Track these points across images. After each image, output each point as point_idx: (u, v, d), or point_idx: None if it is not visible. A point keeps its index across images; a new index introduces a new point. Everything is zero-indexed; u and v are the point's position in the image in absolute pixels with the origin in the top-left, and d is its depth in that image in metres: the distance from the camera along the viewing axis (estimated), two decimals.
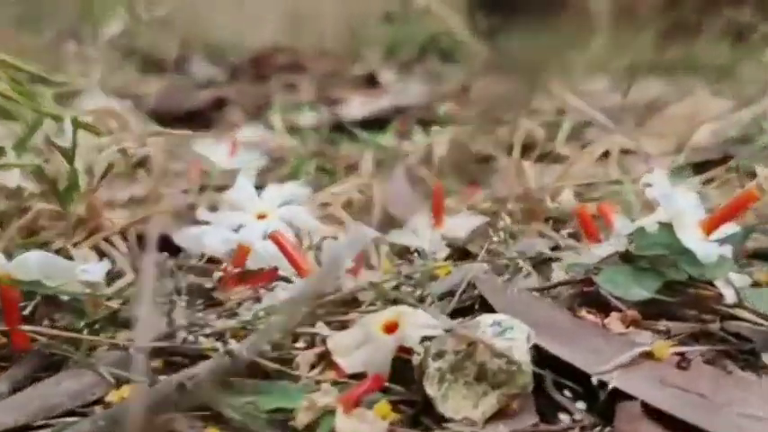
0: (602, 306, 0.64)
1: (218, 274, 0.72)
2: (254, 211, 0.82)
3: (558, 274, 0.70)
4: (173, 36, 3.00)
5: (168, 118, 1.54)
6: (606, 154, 0.85)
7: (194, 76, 2.22)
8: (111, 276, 0.68)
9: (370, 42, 3.63)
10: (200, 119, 1.57)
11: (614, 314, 0.63)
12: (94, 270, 0.57)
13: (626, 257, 0.66)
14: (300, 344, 0.59)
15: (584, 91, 1.26)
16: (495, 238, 0.75)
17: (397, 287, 0.66)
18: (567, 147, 0.96)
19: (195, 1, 3.32)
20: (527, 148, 1.06)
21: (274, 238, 0.68)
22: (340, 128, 1.51)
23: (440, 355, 0.51)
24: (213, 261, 0.77)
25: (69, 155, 0.59)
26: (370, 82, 2.24)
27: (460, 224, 0.82)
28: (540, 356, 0.54)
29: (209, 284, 0.73)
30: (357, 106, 1.74)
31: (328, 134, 1.46)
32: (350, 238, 0.67)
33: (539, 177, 0.87)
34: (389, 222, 0.86)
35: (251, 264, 0.76)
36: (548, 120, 1.01)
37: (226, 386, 0.52)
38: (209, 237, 0.73)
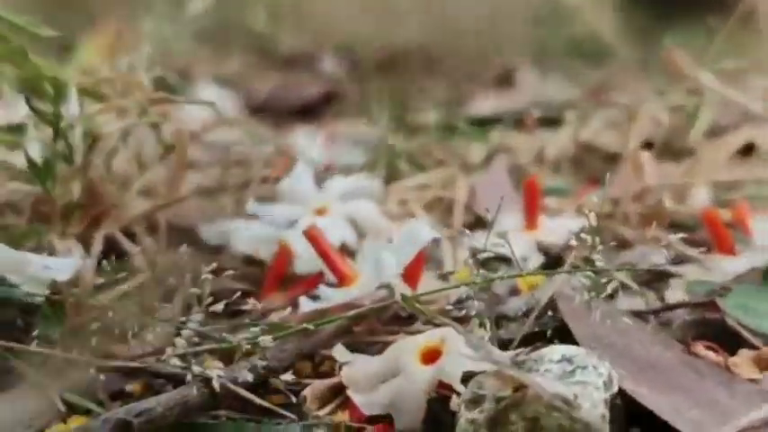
0: (728, 340, 0.47)
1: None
2: (313, 205, 0.68)
3: (674, 293, 0.53)
4: (306, 30, 2.92)
5: (279, 113, 1.43)
6: (751, 149, 0.68)
7: (320, 72, 2.11)
8: (123, 276, 0.56)
9: (514, 42, 3.46)
10: (312, 114, 1.46)
11: (744, 352, 0.47)
12: (58, 266, 0.44)
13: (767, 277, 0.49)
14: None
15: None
16: (597, 246, 0.59)
17: (461, 302, 0.51)
18: (705, 141, 0.78)
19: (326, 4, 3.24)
20: (657, 144, 0.89)
21: (310, 234, 0.54)
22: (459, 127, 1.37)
23: (476, 401, 0.36)
24: (256, 263, 0.64)
25: (52, 121, 0.47)
26: (506, 81, 2.08)
27: (560, 228, 0.67)
28: (629, 410, 0.38)
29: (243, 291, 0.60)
30: (483, 104, 1.58)
31: (444, 132, 1.32)
32: (403, 238, 0.53)
33: (665, 174, 0.70)
34: (476, 223, 0.71)
35: (302, 267, 0.62)
36: (686, 109, 0.83)
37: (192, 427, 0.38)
38: (239, 233, 0.60)
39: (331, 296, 0.52)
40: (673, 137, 0.82)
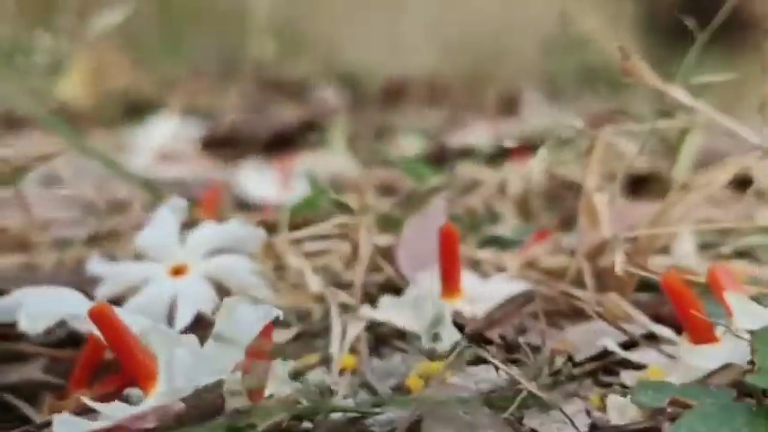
0: None
1: None
2: (171, 260, 0.52)
3: (616, 403, 0.36)
4: (311, 59, 2.78)
5: (246, 143, 1.27)
6: (745, 184, 0.51)
7: (317, 102, 1.96)
8: None
9: (523, 70, 3.29)
10: (286, 145, 1.30)
11: None
12: None
13: (741, 386, 0.32)
14: None
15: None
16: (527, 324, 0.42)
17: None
18: (689, 173, 0.61)
19: (346, 23, 3.09)
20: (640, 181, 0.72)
21: (96, 314, 0.37)
22: (445, 157, 1.20)
23: None
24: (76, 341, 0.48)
25: None
26: (509, 109, 1.91)
27: (490, 293, 0.50)
28: None
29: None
30: (474, 133, 1.42)
31: (425, 164, 1.15)
32: (225, 323, 0.36)
33: (635, 219, 0.53)
34: (387, 285, 0.54)
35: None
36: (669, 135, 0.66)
37: None
38: (30, 307, 0.43)
39: (115, 410, 0.35)
40: (655, 170, 0.65)
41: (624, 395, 0.35)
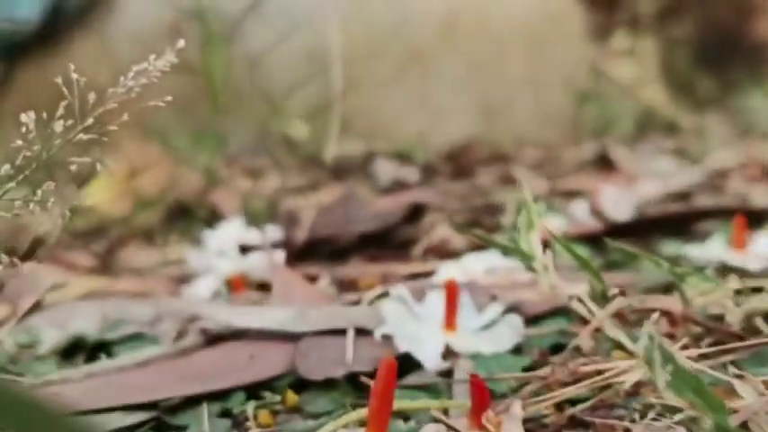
0: None
1: None
2: None
3: None
4: (353, 140, 2.42)
5: (330, 247, 0.89)
6: None
7: (379, 179, 1.59)
8: None
9: (572, 125, 2.95)
10: (385, 241, 0.92)
11: None
12: None
13: None
14: None
15: None
16: None
17: None
18: None
19: (373, 100, 2.75)
20: None
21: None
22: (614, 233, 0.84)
23: None
24: None
25: None
26: (602, 165, 1.55)
27: None
28: None
29: None
30: (617, 200, 1.05)
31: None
32: None
33: None
34: None
35: None
36: None
37: None
38: None
39: None
40: None
41: None
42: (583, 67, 3.22)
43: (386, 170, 1.61)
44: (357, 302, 0.62)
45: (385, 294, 0.60)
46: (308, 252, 0.82)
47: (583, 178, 1.28)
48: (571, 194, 1.17)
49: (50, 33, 2.38)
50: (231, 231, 0.84)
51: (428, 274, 0.74)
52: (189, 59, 2.50)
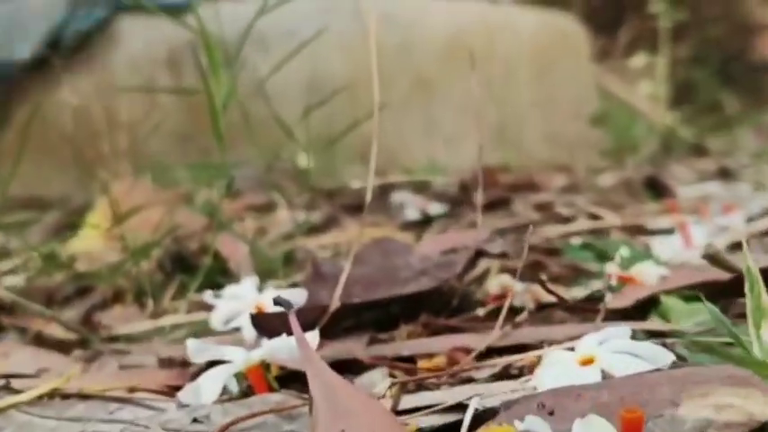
0: None
1: None
2: None
3: None
4: (362, 172, 2.20)
5: (373, 313, 0.66)
6: None
7: (403, 214, 1.37)
8: None
9: (587, 146, 2.74)
10: (440, 300, 0.68)
11: None
12: None
13: None
14: None
15: None
16: None
17: None
18: None
19: (381, 128, 2.53)
20: None
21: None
22: None
23: None
24: None
25: None
26: (655, 187, 1.33)
27: None
28: None
29: None
30: (710, 235, 0.82)
31: None
32: None
33: None
34: None
35: None
36: None
37: None
38: None
39: None
40: None
41: None
42: (594, 87, 3.03)
43: (409, 202, 1.38)
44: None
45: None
46: (343, 318, 0.60)
47: (651, 210, 1.06)
48: (639, 230, 0.95)
49: (48, 65, 2.17)
50: (243, 297, 0.61)
51: (516, 349, 0.52)
52: (190, 89, 2.23)
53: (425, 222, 1.24)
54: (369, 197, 0.64)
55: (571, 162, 2.51)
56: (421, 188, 1.84)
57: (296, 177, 2.02)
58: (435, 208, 1.33)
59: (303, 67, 2.61)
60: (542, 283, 0.62)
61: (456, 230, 0.92)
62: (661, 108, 2.87)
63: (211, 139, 1.46)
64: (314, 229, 1.30)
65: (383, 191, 1.71)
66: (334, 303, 0.57)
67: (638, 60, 2.31)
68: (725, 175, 1.55)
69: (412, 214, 1.32)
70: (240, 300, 0.61)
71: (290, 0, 0.96)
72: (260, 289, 0.64)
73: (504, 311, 0.57)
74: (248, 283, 0.63)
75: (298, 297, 0.62)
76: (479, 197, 1.39)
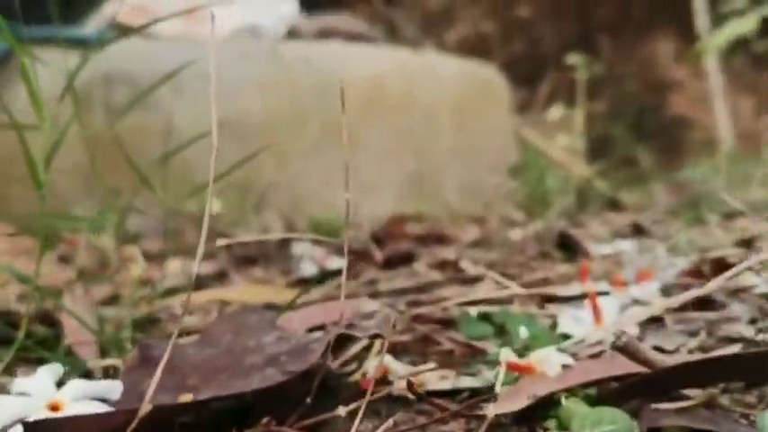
0: None
1: None
2: None
3: None
4: (273, 218, 2.04)
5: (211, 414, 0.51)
6: None
7: (299, 268, 1.22)
8: None
9: (503, 198, 2.64)
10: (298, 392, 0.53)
11: None
12: None
13: None
14: None
15: None
16: None
17: None
18: None
19: (294, 173, 2.39)
20: None
21: None
22: None
23: None
24: None
25: None
26: (568, 245, 1.21)
27: None
28: None
29: None
30: (624, 310, 0.70)
31: None
32: None
33: None
34: None
35: None
36: None
37: None
38: None
39: None
40: None
41: None
42: (513, 138, 2.94)
43: (307, 256, 1.24)
44: None
45: None
46: (159, 427, 0.45)
47: (562, 273, 0.94)
48: (547, 298, 0.82)
49: None
50: (35, 393, 0.46)
51: None
52: (96, 128, 2.05)
53: (321, 279, 1.10)
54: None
55: (487, 213, 2.41)
56: (330, 237, 1.70)
57: (200, 223, 1.87)
58: (334, 263, 1.19)
59: (218, 107, 2.47)
60: (411, 387, 0.48)
61: (330, 304, 0.78)
62: (578, 161, 2.80)
63: (120, 179, 1.29)
64: (199, 285, 1.15)
65: (285, 242, 1.56)
66: (145, 406, 0.42)
67: (556, 112, 2.23)
68: (638, 231, 1.45)
69: (308, 269, 1.17)
70: (31, 397, 0.46)
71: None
72: (62, 380, 0.48)
73: (360, 413, 0.43)
74: (43, 375, 0.47)
75: (109, 391, 0.47)
76: (378, 249, 1.25)
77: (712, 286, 0.65)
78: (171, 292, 1.09)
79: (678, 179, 1.94)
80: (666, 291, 0.80)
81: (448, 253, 1.29)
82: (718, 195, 1.63)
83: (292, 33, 2.63)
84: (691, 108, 3.90)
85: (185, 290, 1.11)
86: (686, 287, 0.80)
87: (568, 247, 1.17)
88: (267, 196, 2.11)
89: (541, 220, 1.59)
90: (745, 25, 2.40)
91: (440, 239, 1.46)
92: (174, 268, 1.41)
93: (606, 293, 0.76)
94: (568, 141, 2.81)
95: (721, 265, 0.84)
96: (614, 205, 2.05)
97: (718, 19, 2.84)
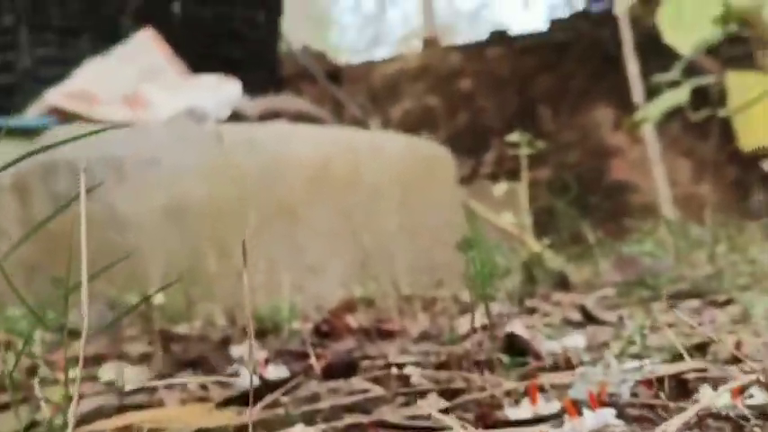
0: None
1: None
2: None
3: None
4: (216, 311, 1.94)
5: None
6: None
7: (241, 375, 1.12)
8: None
9: (454, 274, 2.57)
10: None
11: None
12: None
13: None
14: None
15: None
16: None
17: None
18: None
19: (239, 258, 2.29)
20: None
21: None
22: None
23: None
24: None
25: None
26: (516, 345, 1.13)
27: None
28: None
29: None
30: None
31: None
32: None
33: None
34: None
35: None
36: None
37: None
38: None
39: None
40: None
41: None
42: (460, 213, 2.89)
43: (244, 366, 1.14)
44: None
45: None
46: None
47: (509, 389, 0.85)
48: (492, 423, 0.74)
49: None
50: None
51: None
52: (36, 219, 1.92)
53: (259, 394, 0.99)
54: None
55: (438, 292, 2.33)
56: (273, 331, 1.60)
57: (143, 317, 1.75)
58: (274, 371, 1.09)
59: (161, 194, 2.37)
60: None
61: None
62: (527, 234, 2.73)
63: (63, 271, 1.17)
64: (127, 404, 1.04)
65: (225, 341, 1.46)
66: None
67: (500, 188, 2.17)
68: (588, 318, 1.38)
69: (245, 381, 1.07)
70: None
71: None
72: None
73: None
74: None
75: None
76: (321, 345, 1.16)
77: (676, 424, 0.57)
78: (94, 415, 0.99)
79: (624, 255, 1.89)
80: (624, 416, 0.72)
81: (394, 352, 1.20)
82: (664, 273, 1.58)
83: (236, 115, 2.56)
84: (631, 173, 3.91)
85: (109, 413, 1.00)
86: (644, 411, 0.72)
87: (517, 349, 1.09)
88: (210, 287, 2.01)
89: (492, 303, 1.51)
90: (679, 96, 2.38)
91: (386, 335, 1.37)
92: (108, 375, 1.29)
93: (561, 423, 0.68)
94: (513, 217, 2.76)
95: (679, 382, 0.76)
96: (563, 284, 1.99)
97: (653, 89, 2.84)
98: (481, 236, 2.45)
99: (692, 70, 2.42)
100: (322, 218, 2.55)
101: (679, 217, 3.14)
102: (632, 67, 3.23)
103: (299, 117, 2.65)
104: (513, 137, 1.89)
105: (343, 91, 3.71)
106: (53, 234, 2.04)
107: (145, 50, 2.61)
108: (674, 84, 2.36)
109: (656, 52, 2.81)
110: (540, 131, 3.61)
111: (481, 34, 4.97)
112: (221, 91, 2.51)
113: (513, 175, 2.94)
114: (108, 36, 2.76)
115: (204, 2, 2.65)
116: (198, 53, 2.81)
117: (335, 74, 3.80)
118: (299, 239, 2.53)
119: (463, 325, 1.40)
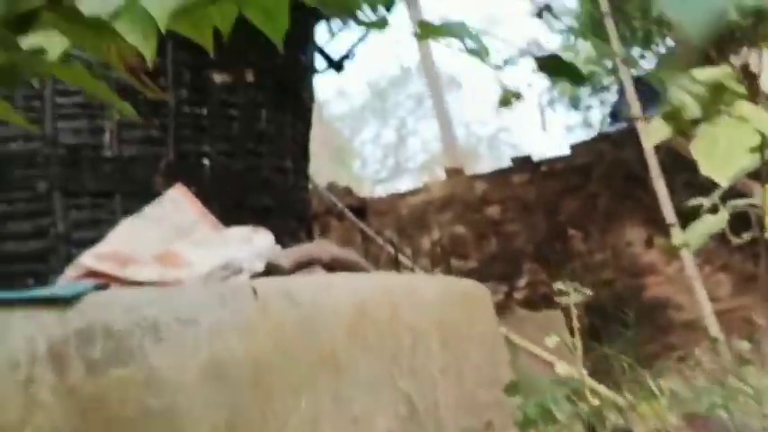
0: None
1: None
2: None
3: None
4: None
5: None
6: None
7: None
8: None
9: (504, 415, 2.45)
10: None
11: None
12: None
13: None
14: None
15: None
16: None
17: None
18: None
19: (285, 410, 2.19)
20: None
21: None
22: None
23: None
24: None
25: None
26: None
27: None
28: None
29: None
30: None
31: None
32: None
33: None
34: None
35: None
36: None
37: None
38: None
39: None
40: None
41: None
42: (502, 347, 2.79)
43: None
44: None
45: None
46: None
47: None
48: None
49: None
50: None
51: None
52: (76, 387, 1.81)
53: None
54: None
55: None
56: None
57: None
58: None
59: (201, 353, 2.30)
60: None
61: None
62: (585, 386, 2.58)
63: None
64: None
65: None
66: None
67: (551, 341, 2.08)
68: None
69: None
70: None
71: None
72: None
73: None
74: None
75: None
76: None
77: None
78: None
79: (696, 412, 1.77)
80: None
81: None
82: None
83: (270, 267, 2.52)
84: (668, 289, 3.80)
85: None
86: None
87: None
88: None
89: None
90: (719, 222, 2.31)
91: None
92: None
93: None
94: (556, 341, 2.64)
95: None
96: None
97: (684, 208, 2.76)
98: (531, 378, 2.33)
99: (731, 191, 2.34)
100: (364, 366, 2.46)
101: (724, 336, 3.01)
102: (660, 186, 3.20)
103: (333, 263, 2.60)
104: (559, 285, 1.82)
105: (370, 225, 3.68)
106: (90, 401, 1.92)
107: (177, 208, 2.59)
108: (710, 210, 2.29)
109: (681, 167, 2.76)
110: (571, 253, 3.53)
111: (501, 157, 4.98)
112: (254, 243, 2.48)
113: (547, 300, 2.83)
114: (141, 195, 2.75)
115: (233, 155, 2.65)
116: (228, 205, 2.80)
117: (362, 208, 3.79)
118: (343, 390, 2.43)
119: None
